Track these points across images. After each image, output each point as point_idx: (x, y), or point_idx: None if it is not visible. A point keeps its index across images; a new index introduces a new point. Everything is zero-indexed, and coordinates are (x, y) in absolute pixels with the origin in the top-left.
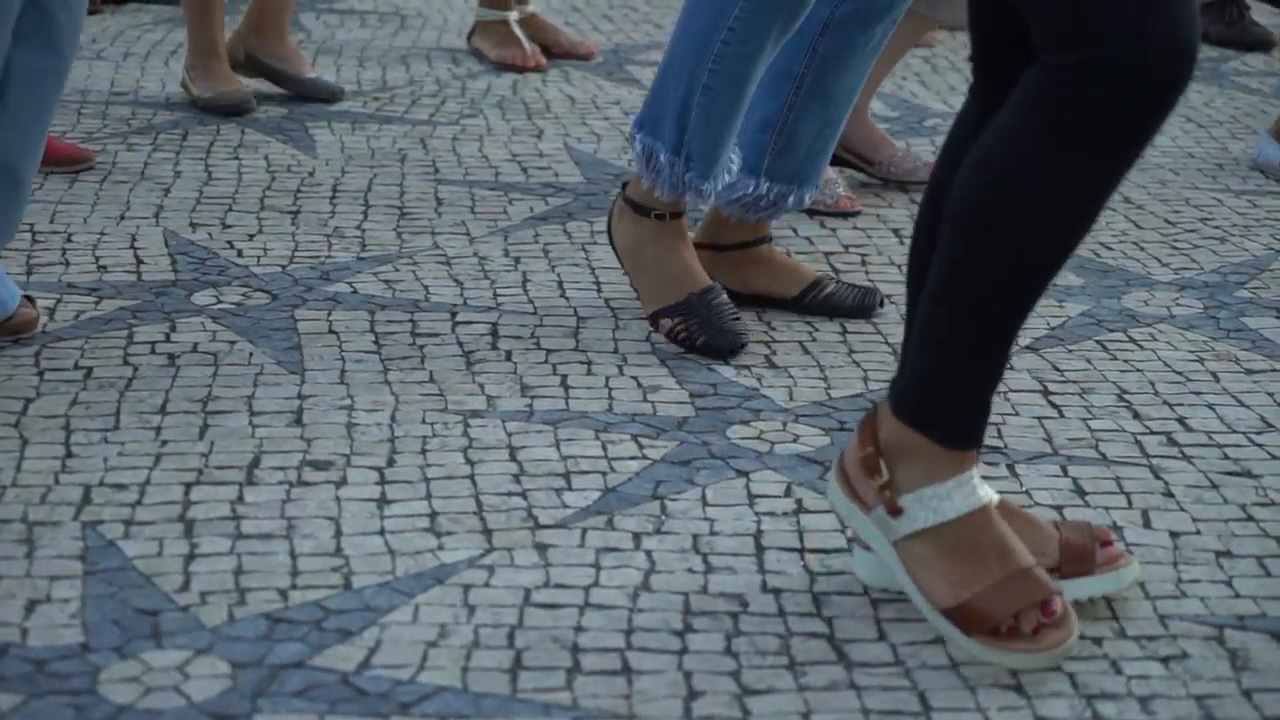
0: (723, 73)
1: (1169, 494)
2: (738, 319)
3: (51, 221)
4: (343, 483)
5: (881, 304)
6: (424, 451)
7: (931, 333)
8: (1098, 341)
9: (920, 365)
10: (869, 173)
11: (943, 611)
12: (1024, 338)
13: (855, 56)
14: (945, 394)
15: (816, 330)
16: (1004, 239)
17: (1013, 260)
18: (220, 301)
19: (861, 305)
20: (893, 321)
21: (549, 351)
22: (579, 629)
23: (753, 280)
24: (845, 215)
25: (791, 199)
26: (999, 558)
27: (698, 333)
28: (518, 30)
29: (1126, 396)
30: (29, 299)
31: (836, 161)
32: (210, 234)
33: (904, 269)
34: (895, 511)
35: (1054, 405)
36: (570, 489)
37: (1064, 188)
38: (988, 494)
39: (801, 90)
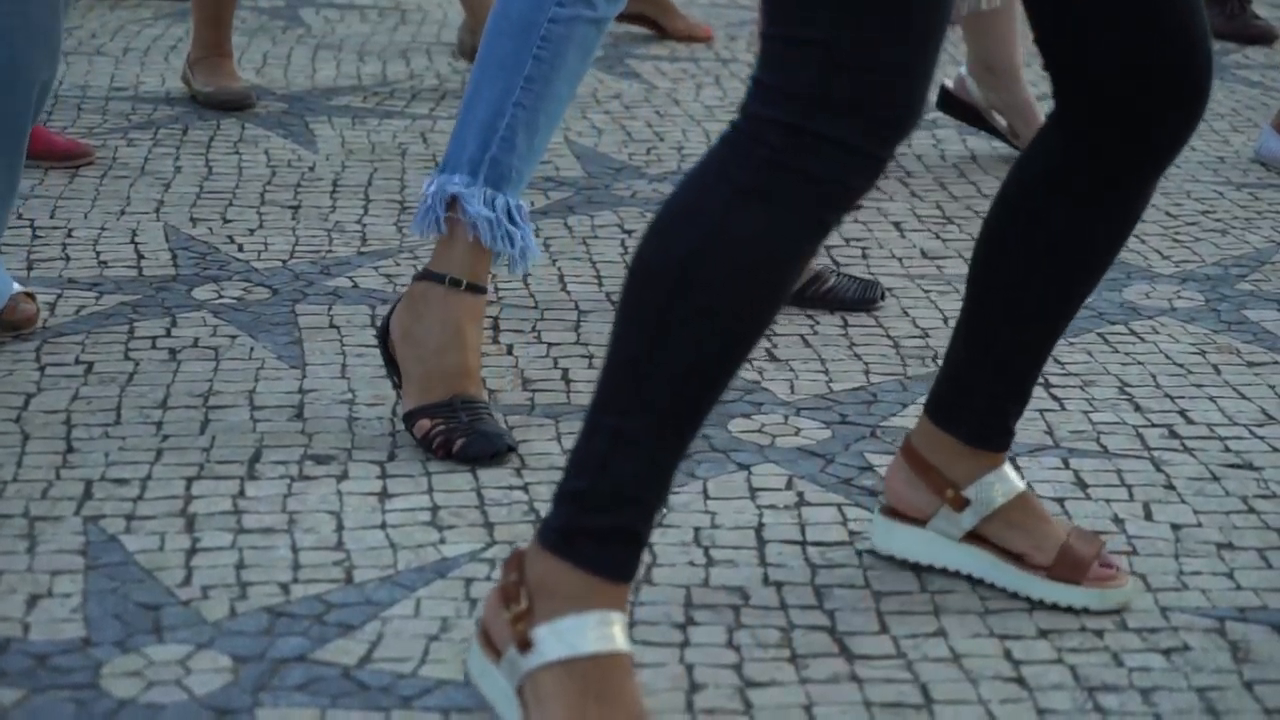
0: (549, 59)
1: (1170, 486)
2: (501, 432)
3: (52, 217)
4: (344, 477)
5: (882, 296)
6: None
7: (594, 440)
8: (1099, 334)
9: (573, 485)
10: (1008, 141)
11: None
12: None
13: None
14: (599, 516)
15: (817, 323)
16: (679, 307)
17: (687, 333)
18: (221, 296)
19: (863, 298)
20: (894, 315)
21: (550, 345)
22: None
23: None
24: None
25: None
26: (629, 717)
27: (452, 436)
28: None
29: (1128, 389)
30: (29, 295)
31: (980, 124)
32: (211, 229)
33: (904, 262)
34: (525, 645)
35: (1055, 398)
36: None
37: (755, 251)
38: (625, 642)
39: None
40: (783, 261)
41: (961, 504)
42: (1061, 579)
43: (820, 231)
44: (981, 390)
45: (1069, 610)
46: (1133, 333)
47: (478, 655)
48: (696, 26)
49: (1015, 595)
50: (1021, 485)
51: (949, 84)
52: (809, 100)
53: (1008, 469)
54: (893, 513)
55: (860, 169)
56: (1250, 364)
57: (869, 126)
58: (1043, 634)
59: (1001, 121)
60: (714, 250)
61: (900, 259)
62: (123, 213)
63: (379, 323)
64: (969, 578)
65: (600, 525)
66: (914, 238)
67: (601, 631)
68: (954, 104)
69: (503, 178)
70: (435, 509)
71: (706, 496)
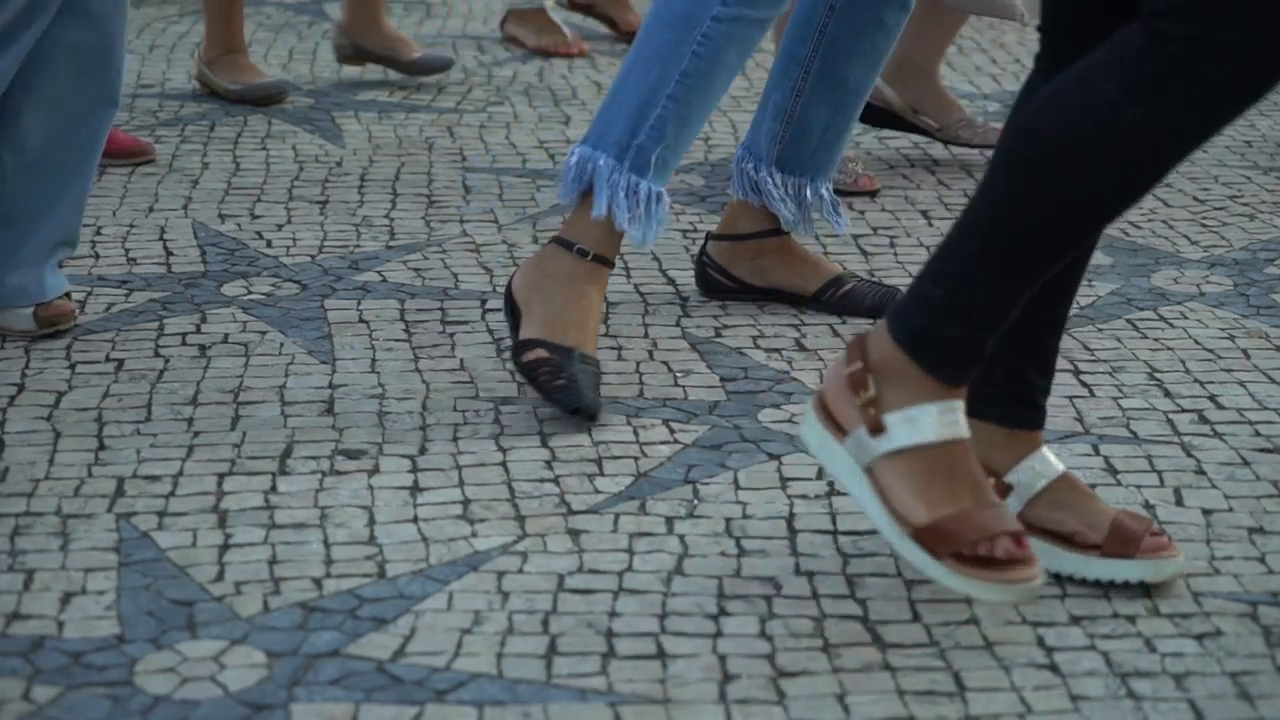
0: (707, 56)
1: (1201, 472)
2: (596, 399)
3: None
4: (375, 471)
5: None
6: (456, 439)
7: (954, 262)
8: (1128, 320)
9: (931, 292)
10: (936, 136)
11: (913, 532)
12: None
13: (863, 42)
14: (950, 326)
15: None
16: (1060, 176)
17: (1064, 200)
18: (250, 292)
19: (881, 305)
20: None
21: None
22: (613, 614)
23: (770, 273)
24: (865, 194)
25: (809, 190)
26: (974, 489)
27: (557, 375)
28: (555, 16)
29: (1157, 375)
30: (64, 294)
31: (904, 126)
32: (239, 225)
33: (932, 250)
34: (877, 429)
35: (1085, 384)
36: (602, 474)
37: (1140, 139)
38: (965, 429)
39: (810, 76)
40: (1167, 149)
41: (1004, 491)
42: (1115, 554)
43: (1209, 128)
44: (1006, 368)
45: (1124, 585)
46: (1161, 318)
47: (816, 426)
48: (433, 60)
49: (1057, 578)
50: (1061, 467)
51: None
52: (1206, 8)
53: (1046, 451)
54: None
55: (1259, 67)
56: (1279, 348)
57: (1267, 25)
58: (1075, 620)
59: (929, 121)
60: (1105, 134)
61: (928, 247)
62: (151, 209)
63: (505, 283)
64: None
65: (950, 334)
66: (941, 226)
67: (947, 418)
68: (873, 112)
69: (647, 165)
70: (466, 502)
71: (738, 487)
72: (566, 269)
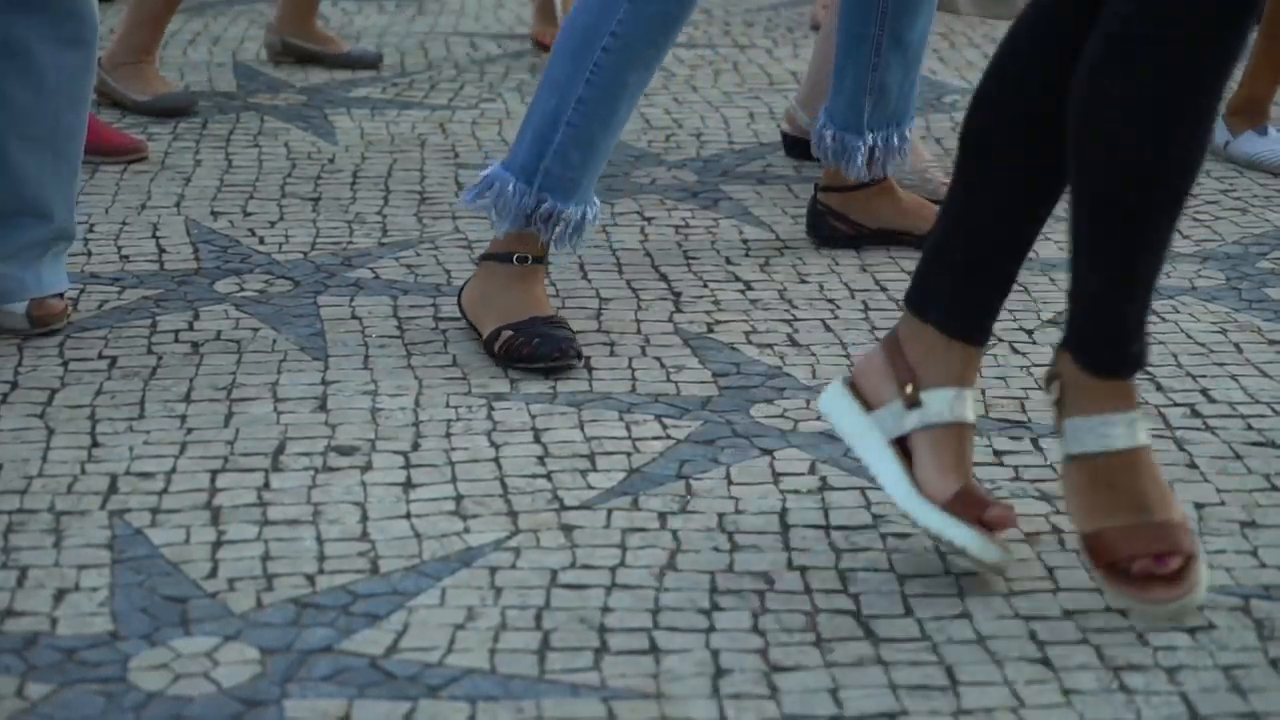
0: (601, 84)
1: (1193, 465)
2: (573, 339)
3: None
4: (368, 468)
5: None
6: (448, 435)
7: (1098, 275)
8: None
9: (1082, 313)
10: None
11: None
12: (1046, 312)
13: (919, 3)
14: (1113, 325)
15: (838, 308)
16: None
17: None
18: (243, 289)
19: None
20: None
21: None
22: (606, 609)
23: (883, 215)
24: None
25: (896, 139)
26: (1142, 499)
27: (529, 340)
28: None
29: (1149, 369)
30: (59, 293)
31: None
32: (232, 222)
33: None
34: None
35: None
36: (595, 470)
37: (1178, 104)
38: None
39: (880, 49)
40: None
41: (914, 402)
42: (953, 512)
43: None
44: (973, 289)
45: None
46: (1153, 312)
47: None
48: (363, 55)
49: (981, 573)
50: (971, 417)
51: (785, 128)
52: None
53: (968, 394)
54: (853, 387)
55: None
56: (1271, 342)
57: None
58: (1068, 614)
59: None
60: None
61: (919, 239)
62: (144, 207)
63: (457, 299)
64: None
65: (1115, 331)
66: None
67: (1131, 430)
68: (794, 143)
69: (557, 186)
70: (459, 498)
71: (730, 482)
72: (505, 275)
